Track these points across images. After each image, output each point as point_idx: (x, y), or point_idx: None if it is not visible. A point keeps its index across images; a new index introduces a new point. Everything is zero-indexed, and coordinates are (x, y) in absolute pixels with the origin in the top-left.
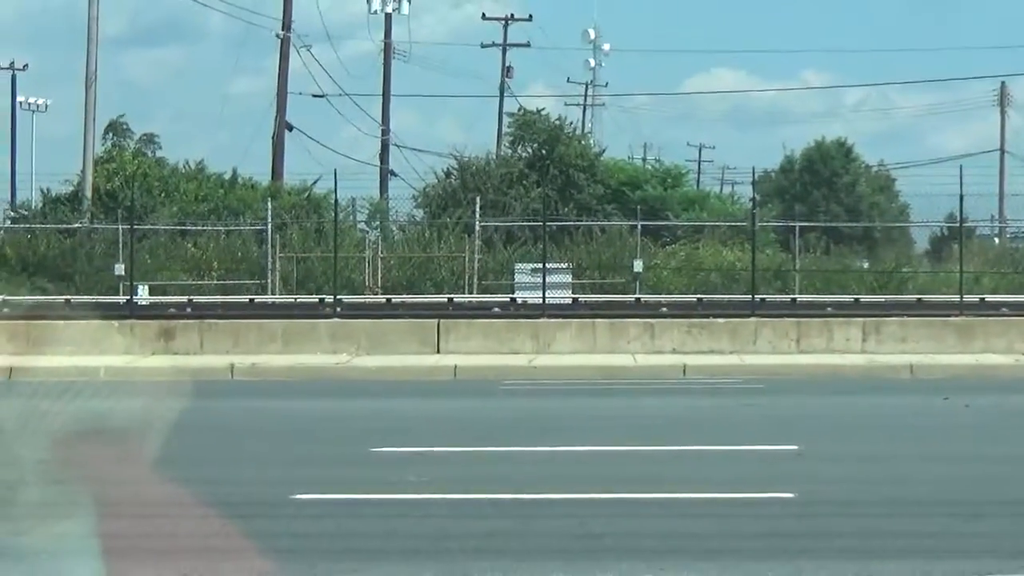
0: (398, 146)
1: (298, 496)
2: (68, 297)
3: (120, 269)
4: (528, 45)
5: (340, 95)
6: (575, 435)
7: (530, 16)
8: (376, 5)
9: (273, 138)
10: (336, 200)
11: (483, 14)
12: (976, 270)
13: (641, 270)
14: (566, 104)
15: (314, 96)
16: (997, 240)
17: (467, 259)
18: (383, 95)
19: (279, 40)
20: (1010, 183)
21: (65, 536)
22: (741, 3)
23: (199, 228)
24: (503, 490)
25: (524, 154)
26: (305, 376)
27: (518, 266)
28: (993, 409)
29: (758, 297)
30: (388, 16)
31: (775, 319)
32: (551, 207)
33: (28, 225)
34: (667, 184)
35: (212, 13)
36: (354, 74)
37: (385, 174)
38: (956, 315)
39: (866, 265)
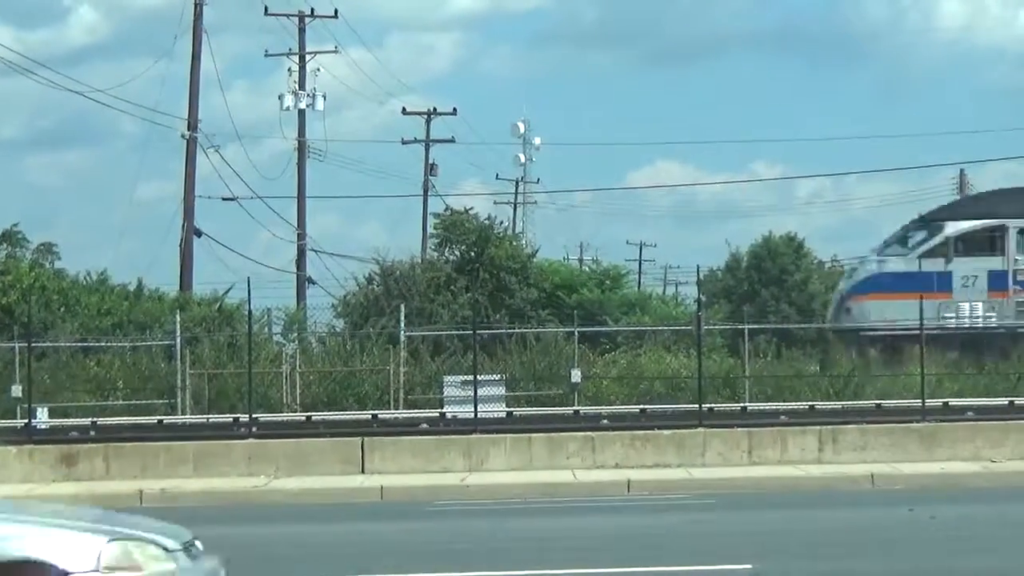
0: (316, 251)
1: None
2: None
3: (17, 391)
4: (453, 140)
5: (252, 198)
6: (511, 558)
7: (454, 110)
8: (289, 102)
9: (181, 245)
10: (250, 311)
11: (403, 108)
12: (938, 372)
13: (579, 380)
14: (496, 203)
15: (224, 199)
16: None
17: (392, 372)
18: (298, 197)
19: (185, 141)
20: None
21: None
22: (687, 93)
23: (102, 344)
24: None
25: (451, 257)
26: (220, 501)
27: (447, 378)
28: (961, 520)
29: (706, 406)
30: (302, 113)
31: (725, 429)
32: (481, 314)
33: None
34: (605, 286)
35: (115, 114)
36: (267, 175)
37: (302, 282)
38: (918, 421)
39: (819, 368)
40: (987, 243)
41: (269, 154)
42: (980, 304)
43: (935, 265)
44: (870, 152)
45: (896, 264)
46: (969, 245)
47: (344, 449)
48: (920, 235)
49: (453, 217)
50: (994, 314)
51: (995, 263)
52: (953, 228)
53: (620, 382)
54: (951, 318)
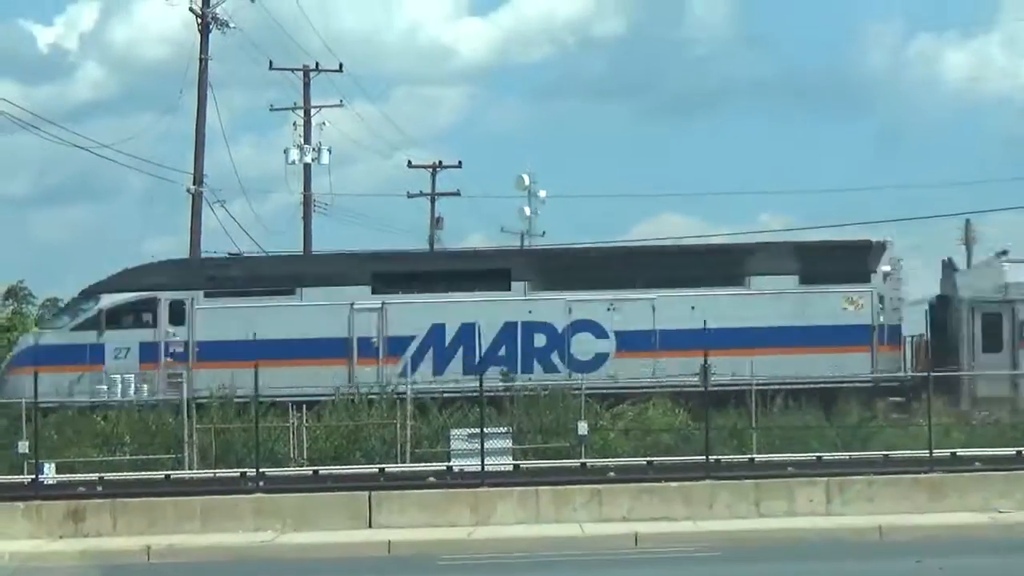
0: None
1: None
2: None
3: (24, 447)
4: (458, 194)
5: (258, 253)
6: None
7: (459, 163)
8: (294, 156)
9: None
10: (256, 365)
11: (409, 162)
12: (946, 422)
13: (586, 433)
14: None
15: (230, 255)
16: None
17: (399, 426)
18: (304, 251)
19: (190, 196)
20: None
21: None
22: (693, 145)
23: (109, 400)
24: None
25: None
26: (227, 556)
27: (454, 432)
28: (969, 571)
29: (713, 458)
30: (307, 167)
31: (732, 481)
32: None
33: None
34: None
35: (120, 169)
36: (273, 229)
37: None
38: (926, 471)
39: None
40: (139, 316)
41: (274, 208)
42: (132, 376)
43: (88, 337)
44: (874, 203)
45: (51, 337)
46: (122, 317)
47: (351, 503)
48: (82, 307)
49: None
50: (147, 385)
51: (147, 335)
52: (108, 300)
53: (627, 435)
54: (103, 390)
